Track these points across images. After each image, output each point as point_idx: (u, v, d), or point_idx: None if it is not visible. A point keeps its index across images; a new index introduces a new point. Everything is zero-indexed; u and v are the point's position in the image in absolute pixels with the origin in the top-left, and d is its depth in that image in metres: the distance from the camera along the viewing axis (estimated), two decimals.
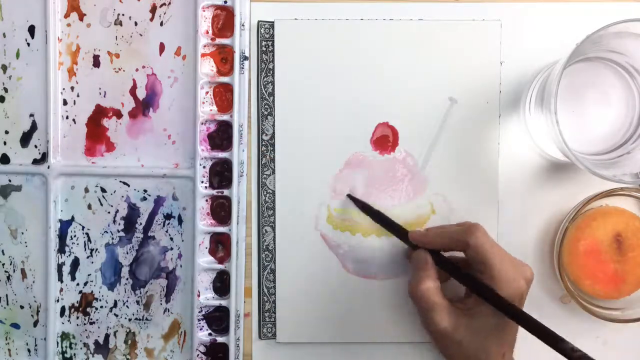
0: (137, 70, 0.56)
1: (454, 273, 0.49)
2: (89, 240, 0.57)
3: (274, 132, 0.55)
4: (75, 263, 0.57)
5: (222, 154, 0.55)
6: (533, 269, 0.55)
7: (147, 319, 0.57)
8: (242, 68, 0.55)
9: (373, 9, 0.55)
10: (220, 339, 0.56)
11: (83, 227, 0.57)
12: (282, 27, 0.55)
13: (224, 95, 0.56)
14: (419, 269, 0.50)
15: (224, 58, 0.55)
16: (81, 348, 0.57)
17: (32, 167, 0.56)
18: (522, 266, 0.48)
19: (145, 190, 0.56)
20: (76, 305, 0.57)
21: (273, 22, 0.55)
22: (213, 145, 0.56)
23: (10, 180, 0.57)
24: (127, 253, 0.57)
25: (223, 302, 0.56)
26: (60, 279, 0.57)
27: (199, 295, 0.56)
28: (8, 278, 0.57)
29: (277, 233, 0.55)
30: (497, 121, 0.55)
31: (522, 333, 0.47)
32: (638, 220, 0.54)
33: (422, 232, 0.52)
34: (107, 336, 0.57)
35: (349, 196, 0.55)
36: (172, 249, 0.56)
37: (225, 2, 0.55)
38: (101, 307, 0.57)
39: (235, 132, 0.55)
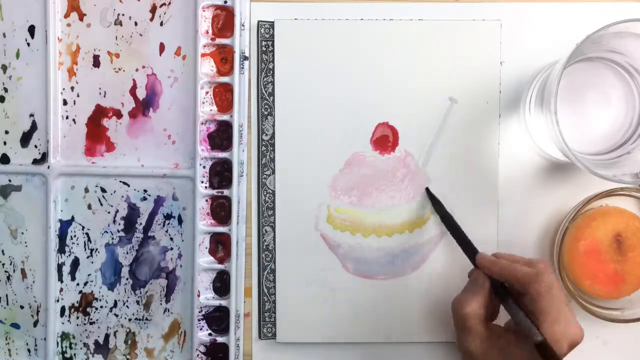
0: (137, 70, 0.56)
1: (506, 305, 0.48)
2: (89, 240, 0.57)
3: (274, 132, 0.55)
4: (75, 263, 0.57)
5: (222, 154, 0.55)
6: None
7: (147, 319, 0.57)
8: (242, 68, 0.55)
9: (373, 9, 0.55)
10: (220, 339, 0.56)
11: (83, 227, 0.57)
12: (282, 27, 0.55)
13: (224, 95, 0.56)
14: (473, 289, 0.49)
15: (224, 58, 0.55)
16: (81, 348, 0.57)
17: (32, 167, 0.56)
18: (574, 328, 0.46)
19: (145, 190, 0.56)
20: (76, 305, 0.57)
21: (273, 22, 0.55)
22: (213, 145, 0.56)
23: (10, 180, 0.57)
24: (127, 253, 0.57)
25: (223, 302, 0.56)
26: (60, 279, 0.57)
27: (199, 295, 0.56)
28: (8, 278, 0.57)
29: (277, 233, 0.55)
30: (497, 121, 0.55)
31: None
32: (638, 220, 0.54)
33: (491, 260, 0.50)
34: (107, 336, 0.57)
35: (428, 190, 0.54)
36: (172, 249, 0.56)
37: (225, 2, 0.55)
38: (101, 307, 0.57)
39: (235, 132, 0.55)
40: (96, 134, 0.56)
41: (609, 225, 0.53)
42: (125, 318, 0.57)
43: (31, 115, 0.56)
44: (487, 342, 0.48)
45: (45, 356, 0.57)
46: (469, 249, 0.52)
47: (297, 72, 0.55)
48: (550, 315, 0.46)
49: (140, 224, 0.56)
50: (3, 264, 0.57)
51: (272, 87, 0.55)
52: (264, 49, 0.55)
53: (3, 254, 0.57)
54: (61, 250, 0.57)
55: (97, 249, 0.57)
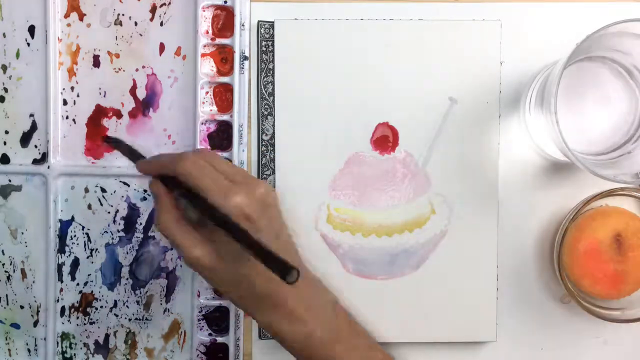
0: (137, 70, 0.56)
1: (185, 197, 0.45)
2: (89, 240, 0.57)
3: (274, 132, 0.55)
4: (75, 263, 0.57)
5: (222, 154, 0.55)
6: (533, 269, 0.55)
7: (147, 319, 0.57)
8: (242, 68, 0.55)
9: (373, 9, 0.55)
10: (220, 339, 0.56)
11: (83, 227, 0.57)
12: (282, 27, 0.55)
13: (224, 95, 0.56)
14: (155, 201, 0.47)
15: (224, 58, 0.55)
16: (81, 348, 0.57)
17: (32, 167, 0.56)
18: (255, 186, 0.44)
19: (145, 190, 0.56)
20: (76, 305, 0.57)
21: (273, 22, 0.55)
22: (213, 145, 0.56)
23: (10, 180, 0.57)
24: (127, 253, 0.57)
25: (223, 302, 0.56)
26: (60, 279, 0.57)
27: (199, 295, 0.56)
28: (8, 278, 0.57)
29: None
30: (497, 121, 0.55)
31: None
32: (638, 220, 0.54)
33: (145, 161, 0.48)
34: (107, 336, 0.57)
35: (111, 139, 0.52)
36: (172, 249, 0.56)
37: (225, 2, 0.55)
38: (101, 307, 0.57)
39: (235, 132, 0.55)
40: (96, 134, 0.56)
41: (609, 225, 0.53)
42: (125, 318, 0.57)
43: (31, 115, 0.56)
44: (200, 240, 0.45)
45: (45, 356, 0.57)
46: (134, 157, 0.50)
47: (297, 72, 0.55)
48: (206, 180, 0.44)
49: (140, 224, 0.56)
50: (3, 264, 0.57)
51: (272, 87, 0.55)
52: (264, 49, 0.55)
53: (3, 254, 0.57)
54: (61, 250, 0.57)
55: (97, 249, 0.57)
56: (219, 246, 0.45)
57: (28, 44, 0.56)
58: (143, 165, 0.49)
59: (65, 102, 0.56)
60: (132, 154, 0.50)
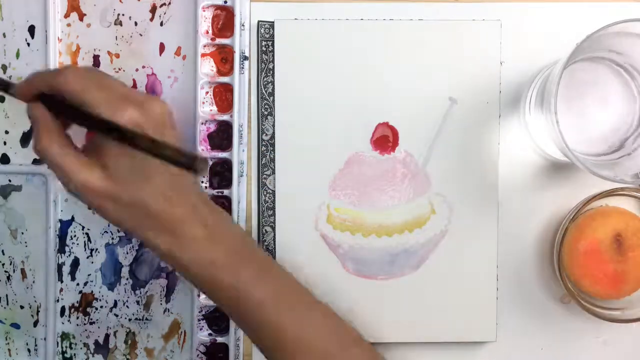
0: (137, 70, 0.56)
1: (69, 116, 0.43)
2: (89, 240, 0.57)
3: (274, 132, 0.55)
4: (75, 263, 0.57)
5: (222, 154, 0.55)
6: (533, 269, 0.55)
7: (147, 319, 0.57)
8: (242, 68, 0.55)
9: (373, 9, 0.55)
10: (220, 339, 0.56)
11: (83, 227, 0.57)
12: (282, 27, 0.55)
13: (224, 95, 0.56)
14: (35, 125, 0.43)
15: (224, 58, 0.55)
16: (81, 348, 0.57)
17: (32, 167, 0.56)
18: (148, 101, 0.42)
19: None
20: (76, 305, 0.57)
21: (273, 22, 0.55)
22: (213, 145, 0.56)
23: (10, 180, 0.57)
24: (127, 253, 0.57)
25: None
26: (60, 279, 0.57)
27: (199, 295, 0.56)
28: (8, 278, 0.57)
29: (277, 233, 0.55)
30: (497, 121, 0.55)
31: None
32: (638, 220, 0.54)
33: (25, 81, 0.44)
34: (107, 336, 0.57)
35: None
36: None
37: (225, 2, 0.55)
38: (101, 307, 0.57)
39: (235, 132, 0.55)
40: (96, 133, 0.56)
41: (609, 225, 0.53)
42: (125, 318, 0.57)
43: None
44: (88, 165, 0.42)
45: (45, 356, 0.57)
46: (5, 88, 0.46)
47: (297, 72, 0.55)
48: (91, 92, 0.41)
49: None
50: (3, 264, 0.57)
51: (272, 87, 0.55)
52: (264, 49, 0.55)
53: (3, 254, 0.57)
54: (61, 250, 0.57)
55: (97, 249, 0.57)
56: (109, 168, 0.41)
57: (28, 44, 0.56)
58: (21, 88, 0.44)
59: None
60: (2, 83, 0.46)
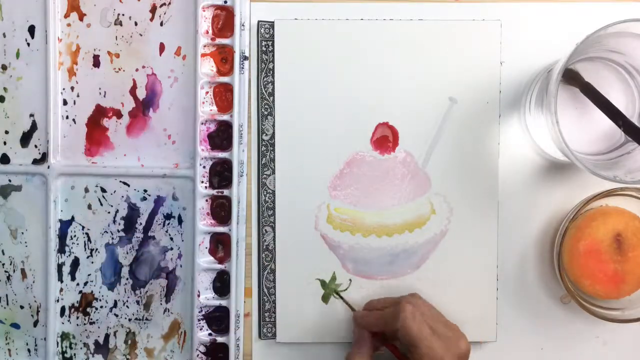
0: (137, 70, 0.56)
1: (392, 350, 0.52)
2: (89, 240, 0.57)
3: (274, 132, 0.55)
4: (75, 263, 0.57)
5: (222, 154, 0.55)
6: (533, 269, 0.55)
7: (147, 319, 0.57)
8: (242, 68, 0.55)
9: (373, 9, 0.55)
10: (220, 339, 0.56)
11: (83, 227, 0.57)
12: (282, 27, 0.55)
13: (224, 95, 0.56)
14: (355, 343, 0.52)
15: (224, 58, 0.55)
16: (81, 348, 0.57)
17: (32, 167, 0.56)
18: (457, 341, 0.49)
19: (145, 190, 0.56)
20: (76, 305, 0.57)
21: (273, 22, 0.55)
22: (213, 145, 0.56)
23: (10, 180, 0.57)
24: (127, 253, 0.57)
25: (223, 302, 0.56)
26: (60, 279, 0.57)
27: (199, 295, 0.56)
28: (8, 278, 0.57)
29: (277, 233, 0.55)
30: (497, 121, 0.55)
31: None
32: (638, 220, 0.54)
33: (363, 314, 0.52)
34: (107, 336, 0.57)
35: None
36: (172, 249, 0.56)
37: (225, 2, 0.55)
38: (101, 307, 0.57)
39: (235, 132, 0.55)
40: (96, 134, 0.56)
41: (609, 225, 0.53)
42: (125, 318, 0.57)
43: (31, 115, 0.56)
44: None
45: (45, 356, 0.57)
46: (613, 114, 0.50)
47: (297, 72, 0.55)
48: (423, 339, 0.48)
49: (140, 224, 0.56)
50: (3, 264, 0.57)
51: (272, 87, 0.55)
52: (264, 49, 0.55)
53: (3, 254, 0.57)
54: (61, 250, 0.57)
55: (97, 249, 0.57)
56: None
57: (28, 44, 0.56)
58: (357, 317, 0.52)
59: (65, 102, 0.56)
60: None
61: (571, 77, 0.50)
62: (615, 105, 0.48)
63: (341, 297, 0.54)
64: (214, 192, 0.55)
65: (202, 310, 0.56)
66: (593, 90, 0.49)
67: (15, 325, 0.57)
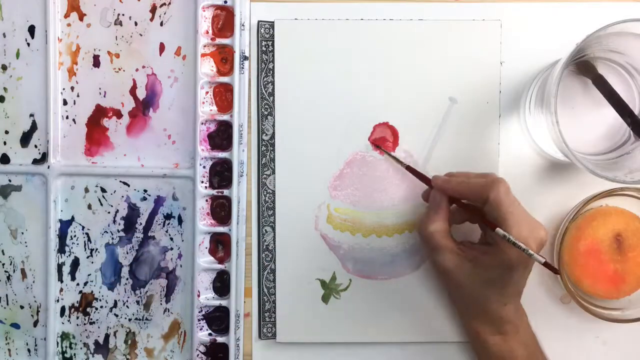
0: (137, 70, 0.56)
1: (473, 217, 0.51)
2: (89, 240, 0.57)
3: (274, 132, 0.55)
4: (75, 263, 0.57)
5: (222, 154, 0.55)
6: (533, 269, 0.55)
7: (147, 319, 0.57)
8: (242, 68, 0.55)
9: (373, 9, 0.55)
10: (220, 339, 0.56)
11: (83, 227, 0.57)
12: (282, 27, 0.55)
13: (224, 95, 0.56)
14: (432, 209, 0.51)
15: (224, 58, 0.55)
16: (81, 348, 0.57)
17: (32, 167, 0.56)
18: (537, 229, 0.48)
19: (145, 190, 0.56)
20: (76, 305, 0.57)
21: (273, 22, 0.55)
22: (213, 145, 0.56)
23: (10, 180, 0.57)
24: (127, 253, 0.57)
25: (223, 302, 0.56)
26: (60, 279, 0.57)
27: (199, 295, 0.56)
28: (8, 278, 0.57)
29: (277, 233, 0.55)
30: (497, 121, 0.55)
31: None
32: (638, 220, 0.54)
33: (444, 179, 0.51)
34: (107, 336, 0.57)
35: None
36: (172, 249, 0.56)
37: (225, 2, 0.55)
38: (101, 307, 0.57)
39: (235, 132, 0.55)
40: (96, 134, 0.56)
41: (609, 225, 0.53)
42: (125, 318, 0.57)
43: (31, 115, 0.56)
44: (457, 255, 0.50)
45: (45, 356, 0.57)
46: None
47: (297, 72, 0.55)
48: (514, 216, 0.48)
49: (140, 224, 0.56)
50: (3, 264, 0.57)
51: (272, 87, 0.55)
52: (264, 49, 0.55)
53: (3, 254, 0.57)
54: (61, 250, 0.57)
55: (97, 249, 0.57)
56: (479, 269, 0.49)
57: (28, 44, 0.56)
58: (439, 182, 0.52)
59: (65, 102, 0.56)
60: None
61: (585, 68, 0.50)
62: (624, 100, 0.49)
63: (390, 155, 0.53)
64: (214, 192, 0.55)
65: (202, 310, 0.56)
66: (605, 82, 0.50)
67: (15, 325, 0.57)
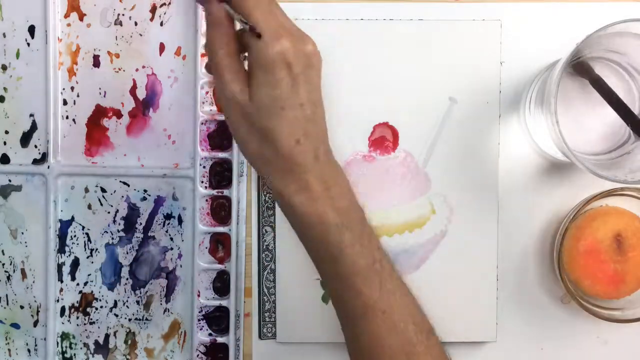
0: (137, 70, 0.56)
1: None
2: (89, 240, 0.57)
3: None
4: (75, 263, 0.57)
5: (222, 154, 0.55)
6: (533, 269, 0.55)
7: (147, 319, 0.57)
8: None
9: (373, 9, 0.55)
10: (220, 339, 0.56)
11: (83, 227, 0.57)
12: None
13: None
14: (212, 26, 0.43)
15: None
16: (81, 348, 0.57)
17: (32, 167, 0.56)
18: (303, 38, 0.43)
19: (145, 190, 0.56)
20: (76, 305, 0.57)
21: None
22: (213, 145, 0.56)
23: (10, 180, 0.57)
24: (127, 253, 0.57)
25: (223, 302, 0.56)
26: (60, 279, 0.57)
27: (199, 295, 0.56)
28: (8, 278, 0.57)
29: (277, 233, 0.55)
30: (497, 121, 0.55)
31: None
32: (638, 220, 0.54)
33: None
34: (107, 336, 0.57)
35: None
36: (172, 249, 0.56)
37: None
38: (101, 307, 0.57)
39: None
40: (96, 134, 0.56)
41: (609, 225, 0.53)
42: (125, 318, 0.57)
43: (31, 115, 0.56)
44: (246, 82, 0.42)
45: (45, 356, 0.57)
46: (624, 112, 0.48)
47: None
48: (264, 20, 0.41)
49: (140, 224, 0.56)
50: (3, 264, 0.57)
51: None
52: None
53: (3, 254, 0.57)
54: (61, 250, 0.57)
55: (97, 249, 0.57)
56: (256, 90, 0.41)
57: (28, 44, 0.56)
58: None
59: (65, 102, 0.56)
60: None
61: (583, 70, 0.50)
62: (624, 101, 0.49)
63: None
64: (214, 192, 0.55)
65: (202, 310, 0.56)
66: (603, 84, 0.49)
67: (15, 325, 0.57)
